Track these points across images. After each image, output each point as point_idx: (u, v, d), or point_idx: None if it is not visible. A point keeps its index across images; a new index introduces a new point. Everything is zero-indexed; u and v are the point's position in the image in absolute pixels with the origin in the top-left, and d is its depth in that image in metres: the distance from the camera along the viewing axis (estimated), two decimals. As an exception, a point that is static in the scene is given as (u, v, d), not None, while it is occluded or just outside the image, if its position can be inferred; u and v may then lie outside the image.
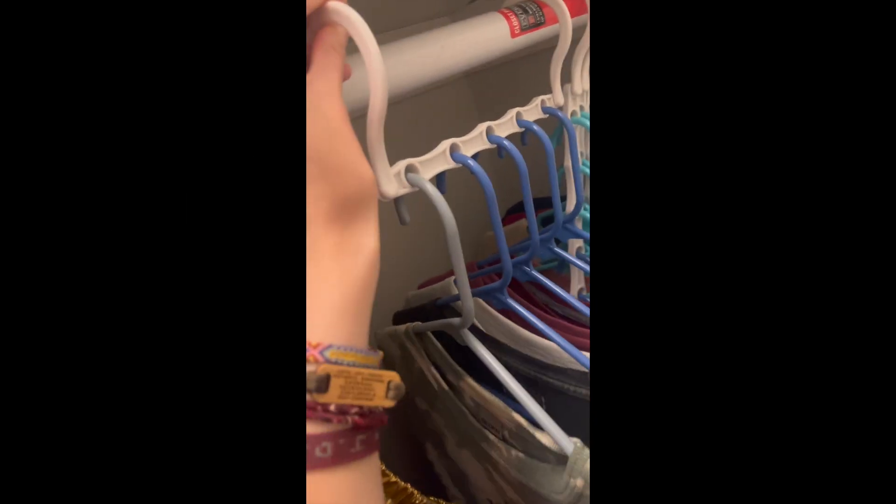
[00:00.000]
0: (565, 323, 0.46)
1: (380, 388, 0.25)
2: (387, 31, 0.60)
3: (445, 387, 0.48)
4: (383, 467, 0.41)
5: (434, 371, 0.48)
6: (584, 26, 0.45)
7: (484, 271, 0.52)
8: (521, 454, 0.41)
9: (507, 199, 0.69)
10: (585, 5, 0.45)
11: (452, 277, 0.50)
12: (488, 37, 0.41)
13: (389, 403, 0.26)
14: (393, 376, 0.26)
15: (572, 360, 0.41)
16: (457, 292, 0.48)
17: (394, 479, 0.42)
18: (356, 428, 0.24)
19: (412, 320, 0.51)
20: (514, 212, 0.70)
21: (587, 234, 0.49)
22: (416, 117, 0.67)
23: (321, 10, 0.27)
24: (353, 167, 0.26)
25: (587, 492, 0.35)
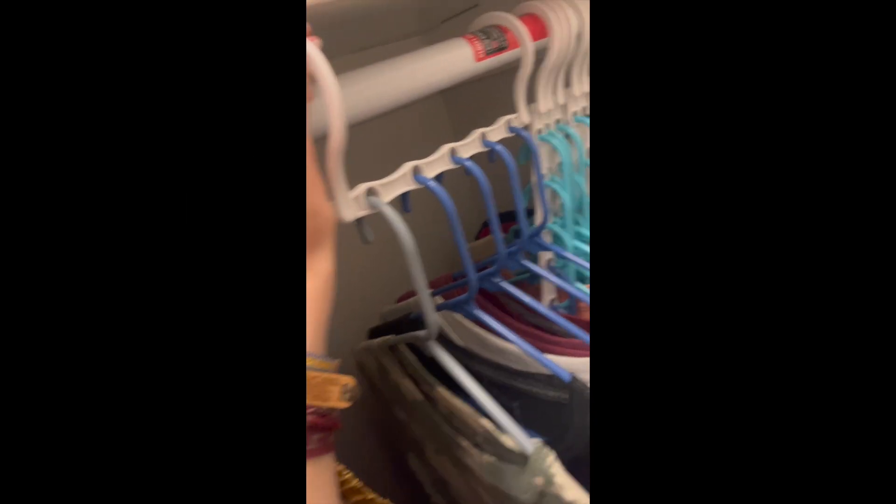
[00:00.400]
0: (534, 330, 0.47)
1: (335, 391, 0.28)
2: (361, 51, 0.62)
3: (420, 397, 0.49)
4: (362, 485, 0.42)
5: (409, 382, 0.50)
6: (545, 49, 0.47)
7: (458, 283, 0.53)
8: (492, 458, 0.42)
9: (484, 213, 0.70)
10: (546, 30, 0.47)
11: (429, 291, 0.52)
12: (454, 61, 0.43)
13: (344, 405, 0.28)
14: (348, 380, 0.28)
15: (540, 364, 0.42)
16: (430, 306, 0.50)
17: (370, 496, 0.43)
18: (313, 427, 0.27)
19: (387, 335, 0.53)
20: (491, 225, 0.72)
21: (556, 248, 0.51)
22: (395, 134, 0.69)
23: None
24: (316, 209, 0.29)
25: (549, 489, 0.36)
